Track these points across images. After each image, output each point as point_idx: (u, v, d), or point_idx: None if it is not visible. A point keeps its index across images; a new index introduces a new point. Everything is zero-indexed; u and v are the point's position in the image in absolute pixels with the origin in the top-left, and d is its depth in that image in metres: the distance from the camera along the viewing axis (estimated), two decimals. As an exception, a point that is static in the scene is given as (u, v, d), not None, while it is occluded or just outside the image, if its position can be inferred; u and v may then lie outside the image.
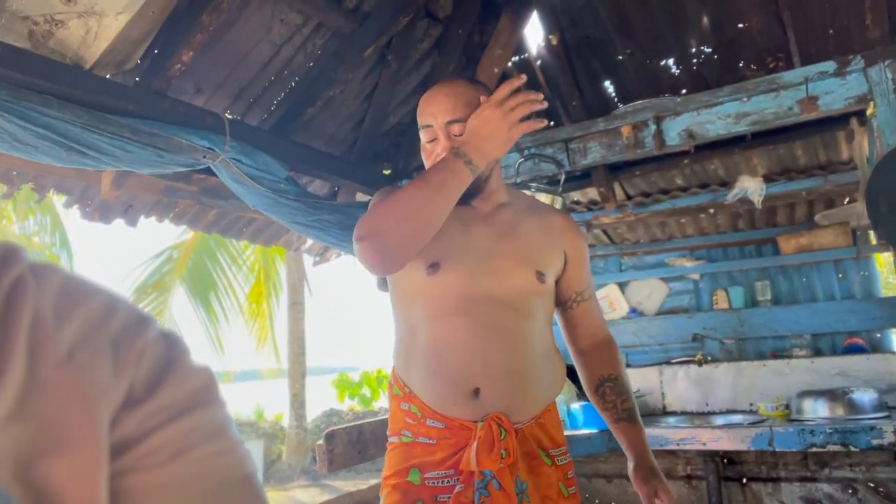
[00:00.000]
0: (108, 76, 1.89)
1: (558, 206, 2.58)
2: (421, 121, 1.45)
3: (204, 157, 2.06)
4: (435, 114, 1.42)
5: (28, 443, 0.32)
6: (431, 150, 1.44)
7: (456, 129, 1.40)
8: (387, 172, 2.97)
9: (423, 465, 1.38)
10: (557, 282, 1.55)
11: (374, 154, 2.92)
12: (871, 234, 3.30)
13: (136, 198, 2.46)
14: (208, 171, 2.22)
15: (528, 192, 2.57)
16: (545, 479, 1.40)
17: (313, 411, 10.32)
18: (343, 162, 2.78)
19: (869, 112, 2.18)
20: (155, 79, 1.99)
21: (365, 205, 2.99)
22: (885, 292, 3.68)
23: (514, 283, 1.45)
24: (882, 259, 4.30)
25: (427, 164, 1.46)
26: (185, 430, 0.37)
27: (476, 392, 1.38)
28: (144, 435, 0.36)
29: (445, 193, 1.34)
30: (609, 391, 1.55)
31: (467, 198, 1.44)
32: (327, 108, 2.59)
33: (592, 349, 1.59)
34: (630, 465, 1.50)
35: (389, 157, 2.98)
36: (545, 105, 1.45)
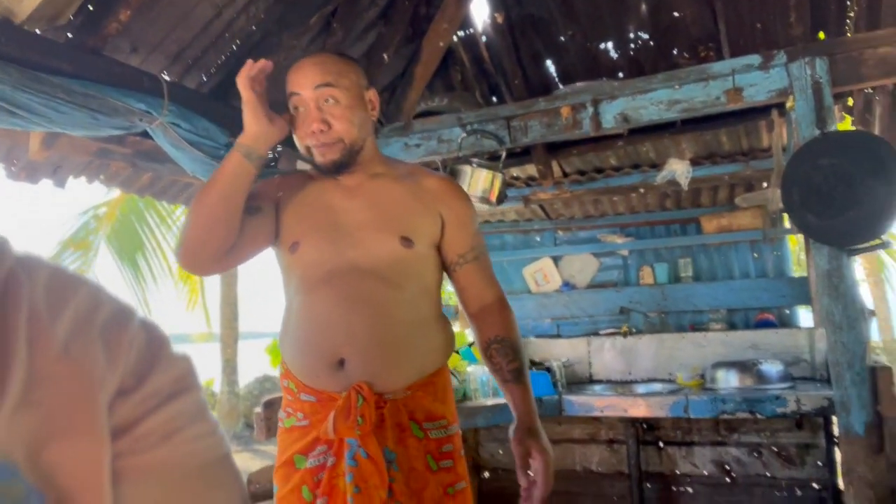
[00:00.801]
0: (39, 32, 1.81)
1: (498, 182, 2.65)
2: (288, 90, 1.43)
3: (141, 120, 2.01)
4: (303, 81, 1.40)
5: (36, 430, 0.35)
6: (302, 120, 1.41)
7: (325, 94, 1.39)
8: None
9: (303, 449, 1.40)
10: (440, 246, 1.52)
11: (316, 122, 2.90)
12: (786, 217, 3.54)
13: (66, 158, 2.37)
14: (144, 134, 2.16)
15: (469, 167, 2.62)
16: (413, 451, 1.40)
17: (246, 377, 10.22)
18: (284, 129, 2.75)
19: (788, 105, 2.33)
20: (90, 37, 1.92)
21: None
22: (796, 270, 3.95)
23: (377, 252, 1.43)
24: (795, 239, 4.60)
25: (296, 135, 1.44)
26: (173, 414, 0.40)
27: (341, 363, 1.38)
28: (137, 420, 0.39)
29: (221, 187, 1.34)
30: (496, 352, 1.50)
31: (338, 171, 1.44)
32: (269, 74, 2.55)
33: (481, 311, 1.54)
34: (512, 426, 1.46)
35: (332, 125, 2.96)
36: (268, 64, 1.42)
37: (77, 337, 0.38)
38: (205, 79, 2.48)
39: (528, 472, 1.41)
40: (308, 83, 1.40)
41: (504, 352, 1.49)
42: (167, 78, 2.29)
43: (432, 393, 1.46)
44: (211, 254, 1.36)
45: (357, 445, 1.33)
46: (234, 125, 2.40)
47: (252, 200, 1.44)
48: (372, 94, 1.50)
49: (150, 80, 2.07)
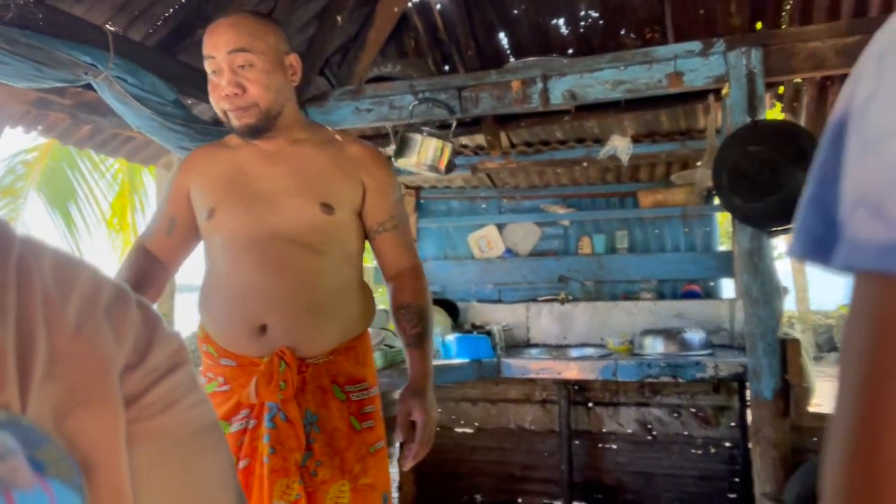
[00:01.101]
0: (-24, -24, 1.73)
1: (448, 151, 2.70)
2: (205, 52, 1.41)
3: (86, 73, 1.96)
4: (217, 44, 1.38)
5: (59, 401, 0.39)
6: (217, 83, 1.40)
7: (240, 59, 1.37)
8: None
9: (225, 415, 1.42)
10: (361, 214, 1.54)
11: (266, 81, 2.87)
12: (715, 195, 3.74)
13: (2, 107, 2.29)
14: (87, 85, 2.11)
15: (419, 135, 2.66)
16: (336, 412, 1.44)
17: (183, 330, 10.07)
18: (233, 86, 2.71)
19: (724, 91, 2.46)
20: (32, -16, 1.84)
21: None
22: (724, 243, 4.19)
23: (297, 218, 1.43)
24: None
25: (212, 97, 1.42)
26: (171, 387, 0.46)
27: (263, 328, 1.41)
28: (142, 392, 0.44)
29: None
30: (402, 317, 1.53)
31: (255, 135, 1.43)
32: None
33: (395, 277, 1.57)
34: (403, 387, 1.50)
35: (282, 85, 2.93)
36: None
37: (86, 318, 0.43)
38: (151, 31, 2.42)
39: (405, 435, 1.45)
40: (222, 47, 1.37)
41: (409, 317, 1.52)
42: (112, 29, 2.22)
43: (354, 357, 1.49)
44: (158, 290, 1.54)
45: (277, 409, 1.37)
46: (181, 81, 2.36)
47: (166, 215, 1.54)
48: (293, 59, 1.48)
49: (95, 32, 2.01)
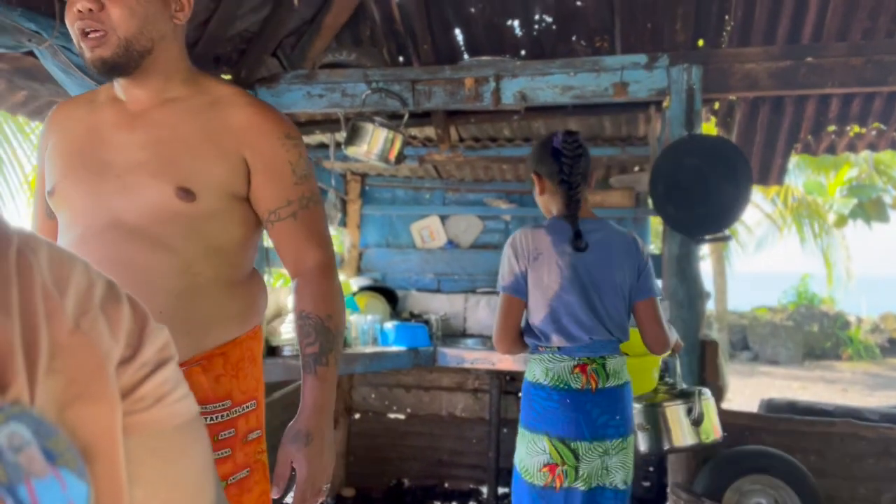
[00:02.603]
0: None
1: (399, 142, 2.73)
2: None
3: (29, 40, 1.88)
4: None
5: (60, 394, 0.41)
6: (74, 19, 1.13)
7: None
8: (226, 77, 2.88)
9: None
10: (249, 199, 1.24)
11: (215, 58, 2.81)
12: (650, 200, 3.92)
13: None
14: (28, 52, 2.02)
15: (371, 125, 2.67)
16: None
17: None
18: (181, 61, 2.65)
19: (665, 104, 2.59)
20: (-26, -59, 1.75)
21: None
22: (653, 241, 4.37)
23: (146, 205, 1.16)
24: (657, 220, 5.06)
25: (67, 21, 1.15)
26: (161, 381, 0.49)
27: None
28: (135, 386, 0.47)
29: None
30: (300, 329, 1.24)
31: (112, 73, 1.15)
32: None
33: (297, 278, 1.28)
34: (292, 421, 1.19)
35: (232, 62, 2.88)
36: None
37: (83, 312, 0.44)
38: (98, -2, 2.32)
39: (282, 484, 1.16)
40: None
41: (306, 331, 1.22)
42: (57, -6, 2.12)
43: (216, 369, 1.20)
44: None
45: None
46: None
47: (41, 194, 1.25)
48: None
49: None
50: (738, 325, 11.43)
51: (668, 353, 1.92)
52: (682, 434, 1.88)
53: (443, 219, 4.16)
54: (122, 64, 1.13)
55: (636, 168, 3.84)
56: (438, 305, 3.95)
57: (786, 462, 2.35)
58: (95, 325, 0.45)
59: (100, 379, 0.43)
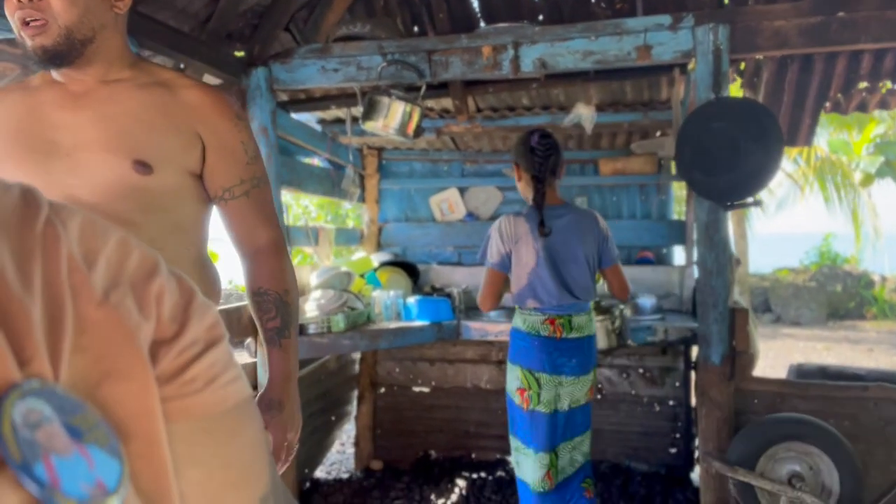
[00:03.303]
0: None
1: (417, 115, 2.68)
2: None
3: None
4: None
5: (88, 371, 0.39)
6: (14, 8, 1.12)
7: None
8: (239, 54, 2.83)
9: None
10: (203, 176, 1.28)
11: (227, 34, 2.76)
12: (673, 165, 3.84)
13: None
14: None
15: (388, 98, 2.62)
16: None
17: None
18: (191, 39, 2.60)
19: (690, 66, 2.51)
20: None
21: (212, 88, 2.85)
22: (676, 215, 4.32)
23: (102, 180, 1.17)
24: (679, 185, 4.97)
25: (10, 13, 1.13)
26: (212, 362, 0.46)
27: None
28: (183, 368, 0.44)
29: None
30: (257, 307, 1.29)
31: (54, 63, 1.15)
32: None
33: (251, 256, 1.33)
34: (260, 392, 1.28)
35: (244, 39, 2.83)
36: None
37: (112, 286, 0.42)
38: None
39: None
40: None
41: (265, 307, 1.28)
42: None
43: None
44: None
45: None
46: (140, 33, 2.25)
47: None
48: None
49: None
50: (760, 288, 11.31)
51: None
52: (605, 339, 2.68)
53: (462, 191, 4.12)
54: (64, 52, 1.13)
55: (658, 133, 3.75)
56: (460, 278, 3.93)
57: (819, 428, 2.32)
58: (124, 299, 0.42)
59: (130, 355, 0.41)
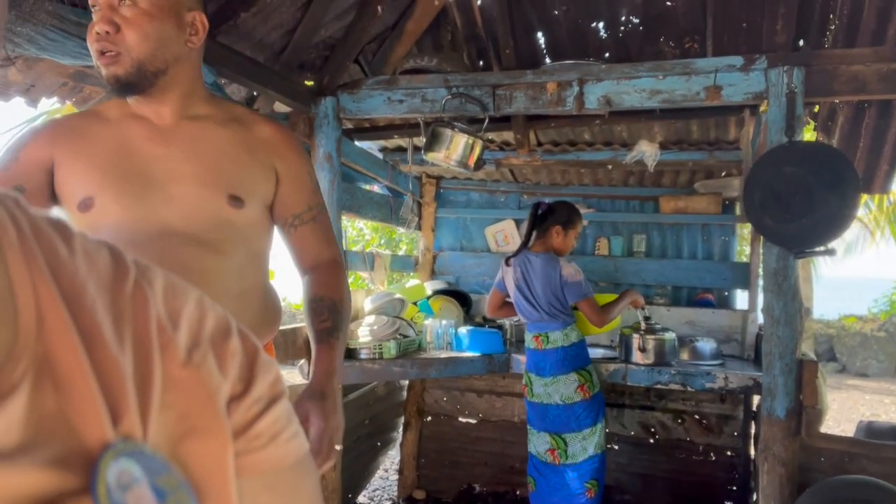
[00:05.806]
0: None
1: (478, 148, 2.69)
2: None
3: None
4: None
5: (172, 429, 0.40)
6: (93, 40, 1.19)
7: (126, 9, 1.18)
8: (309, 84, 2.92)
9: None
10: (272, 205, 1.37)
11: (299, 65, 2.85)
12: (738, 205, 3.74)
13: (41, 78, 2.28)
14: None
15: (450, 130, 2.65)
16: None
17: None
18: (266, 69, 2.70)
19: (762, 109, 2.44)
20: (82, -40, 1.83)
21: (284, 116, 2.94)
22: (739, 257, 4.19)
23: (199, 213, 1.24)
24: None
25: (90, 44, 1.20)
26: (275, 418, 0.47)
27: None
28: (250, 423, 0.45)
29: None
30: (312, 311, 1.39)
31: (126, 91, 1.21)
32: (261, 12, 2.48)
33: (311, 270, 1.43)
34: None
35: (315, 69, 2.91)
36: None
37: (194, 346, 0.43)
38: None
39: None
40: None
41: (319, 310, 1.38)
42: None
43: None
44: None
45: None
46: (219, 62, 2.35)
47: (9, 180, 1.22)
48: (197, 17, 1.26)
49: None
50: (825, 335, 10.80)
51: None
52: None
53: (517, 223, 4.10)
54: (135, 82, 1.20)
55: (723, 173, 3.66)
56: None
57: (891, 494, 2.18)
58: (206, 358, 0.44)
59: (211, 413, 0.42)
